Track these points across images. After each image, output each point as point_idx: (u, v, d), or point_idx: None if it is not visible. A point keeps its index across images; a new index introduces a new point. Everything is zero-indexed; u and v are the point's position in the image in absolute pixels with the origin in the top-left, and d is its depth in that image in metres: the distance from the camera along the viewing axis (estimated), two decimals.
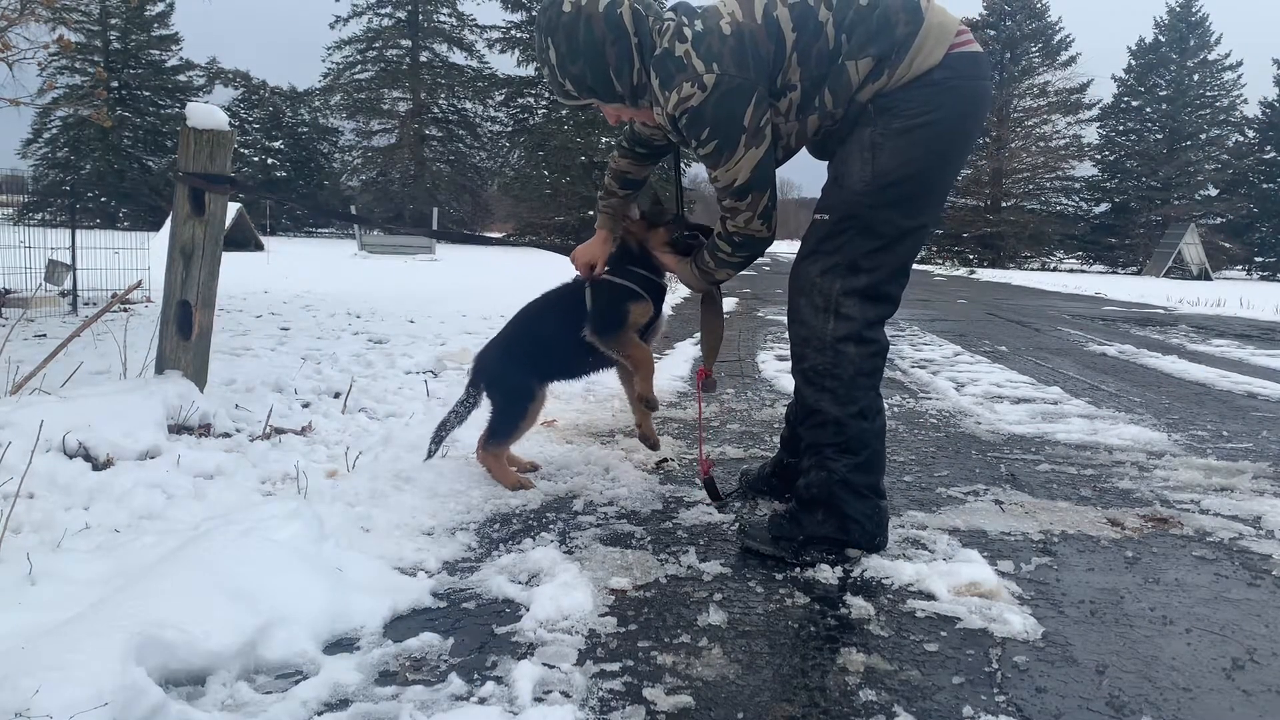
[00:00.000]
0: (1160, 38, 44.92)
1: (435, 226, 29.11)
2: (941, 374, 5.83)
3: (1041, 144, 45.27)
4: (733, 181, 2.35)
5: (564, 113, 44.57)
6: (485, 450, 2.98)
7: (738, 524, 2.63)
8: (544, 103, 46.98)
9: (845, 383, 2.36)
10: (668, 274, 2.96)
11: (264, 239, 25.37)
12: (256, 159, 48.29)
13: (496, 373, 3.05)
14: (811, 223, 2.45)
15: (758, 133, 2.30)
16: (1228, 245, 39.76)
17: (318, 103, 49.28)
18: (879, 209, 2.32)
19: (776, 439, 3.77)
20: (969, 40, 2.33)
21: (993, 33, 44.62)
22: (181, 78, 47.14)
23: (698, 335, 7.76)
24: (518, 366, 3.01)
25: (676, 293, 12.98)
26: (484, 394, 3.07)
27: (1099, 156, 46.12)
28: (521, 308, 3.14)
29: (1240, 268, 41.89)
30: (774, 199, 2.44)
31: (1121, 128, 45.61)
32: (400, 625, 1.95)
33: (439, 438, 3.10)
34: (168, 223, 4.75)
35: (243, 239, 21.88)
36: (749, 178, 2.34)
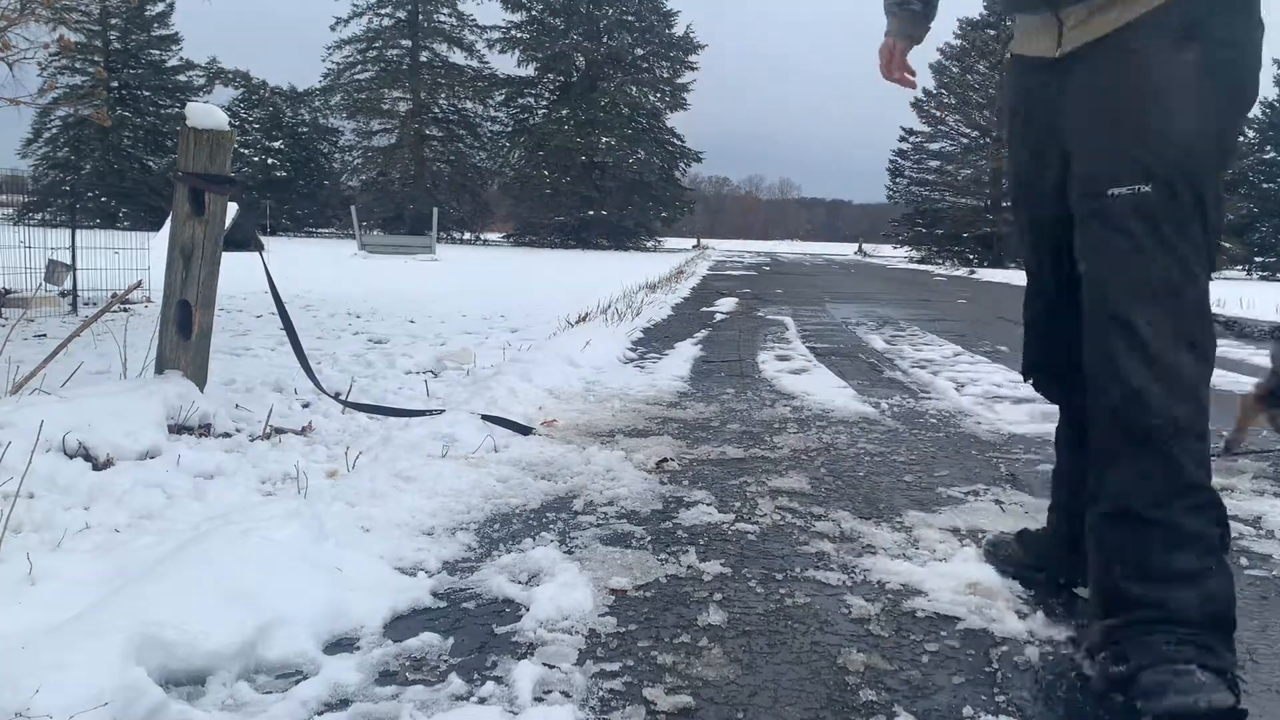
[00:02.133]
0: None
1: (435, 226, 29.09)
2: (942, 374, 5.82)
3: None
4: None
5: (564, 113, 44.61)
6: None
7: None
8: (544, 103, 47.02)
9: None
10: None
11: (264, 239, 25.38)
12: (256, 159, 48.25)
13: None
14: (1085, 204, 1.62)
15: None
16: (1228, 245, 39.76)
17: (318, 103, 49.35)
18: (1212, 177, 1.53)
19: (776, 439, 3.77)
20: None
21: (993, 32, 44.59)
22: (181, 78, 47.19)
23: (698, 335, 7.78)
24: None
25: (675, 292, 12.97)
26: None
27: None
28: None
29: (1240, 268, 41.91)
30: None
31: None
32: (400, 625, 1.95)
33: None
34: (168, 223, 4.75)
35: (243, 239, 21.90)
36: None
